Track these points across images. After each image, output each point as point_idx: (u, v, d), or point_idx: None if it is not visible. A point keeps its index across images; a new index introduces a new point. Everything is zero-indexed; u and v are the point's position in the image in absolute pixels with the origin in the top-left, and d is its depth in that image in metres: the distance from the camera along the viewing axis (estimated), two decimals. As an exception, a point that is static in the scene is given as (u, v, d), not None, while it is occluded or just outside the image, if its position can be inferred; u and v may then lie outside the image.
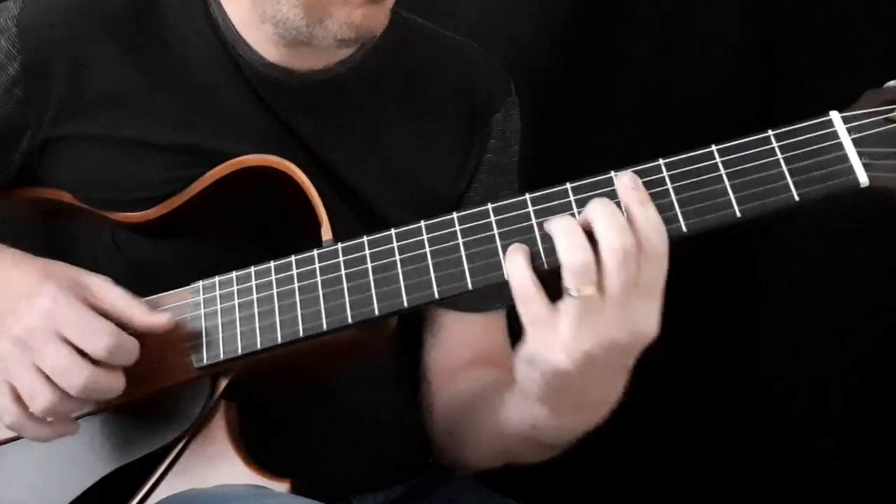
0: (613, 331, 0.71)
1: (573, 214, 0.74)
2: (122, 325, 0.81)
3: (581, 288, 0.70)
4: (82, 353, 0.78)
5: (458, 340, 1.02)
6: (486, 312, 1.03)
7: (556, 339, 0.72)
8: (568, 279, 0.70)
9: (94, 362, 0.78)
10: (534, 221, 0.75)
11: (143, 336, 0.82)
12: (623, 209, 0.72)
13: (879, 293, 1.31)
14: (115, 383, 0.80)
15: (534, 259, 0.74)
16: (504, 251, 0.75)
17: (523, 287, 0.72)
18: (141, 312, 0.82)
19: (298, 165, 0.86)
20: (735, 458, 1.38)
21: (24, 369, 0.78)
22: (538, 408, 0.79)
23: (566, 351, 0.71)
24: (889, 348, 1.34)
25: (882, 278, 1.31)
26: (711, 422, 1.34)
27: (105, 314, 0.81)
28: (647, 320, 0.72)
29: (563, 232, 0.71)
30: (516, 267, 0.73)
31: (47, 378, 0.78)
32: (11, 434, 0.87)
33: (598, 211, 0.71)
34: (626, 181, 0.73)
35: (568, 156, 1.32)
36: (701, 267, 1.13)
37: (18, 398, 0.79)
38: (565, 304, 0.71)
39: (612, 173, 0.75)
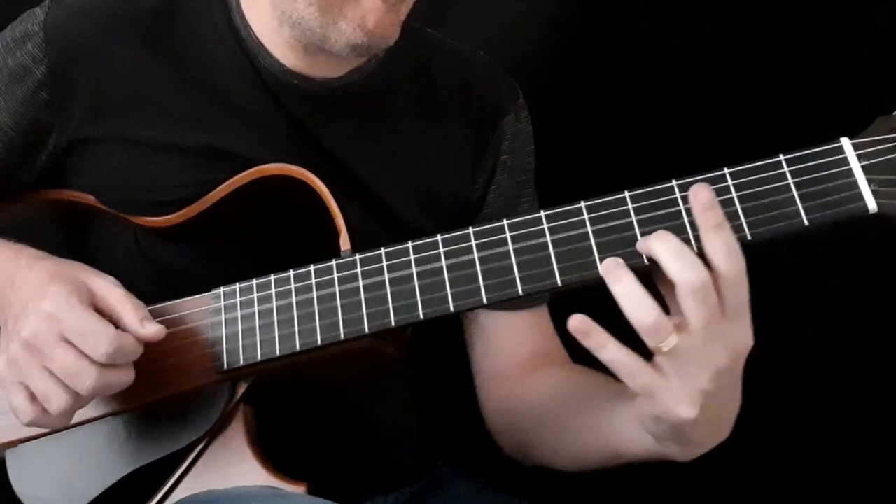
0: (716, 359, 0.71)
1: (587, 234, 0.76)
2: (153, 314, 0.83)
3: (664, 342, 0.70)
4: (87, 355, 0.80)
5: (511, 341, 1.03)
6: (530, 309, 1.03)
7: (672, 395, 0.72)
8: (647, 340, 0.71)
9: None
10: (548, 238, 0.77)
11: (164, 340, 0.83)
12: (697, 229, 0.72)
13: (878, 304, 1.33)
14: (124, 378, 0.81)
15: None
16: (518, 267, 0.77)
17: (625, 365, 0.72)
18: (132, 321, 0.81)
19: (316, 168, 0.88)
20: (734, 460, 1.39)
21: (36, 372, 0.80)
22: (671, 446, 0.79)
23: (686, 402, 0.72)
24: (887, 355, 1.35)
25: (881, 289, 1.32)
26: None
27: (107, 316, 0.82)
28: (742, 336, 0.72)
29: (626, 294, 0.71)
30: (613, 351, 0.72)
31: (59, 380, 0.79)
32: (31, 432, 0.89)
33: (664, 251, 0.71)
34: (703, 199, 0.71)
35: (576, 162, 1.32)
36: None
37: (34, 398, 0.81)
38: (662, 362, 0.72)
39: (626, 193, 0.76)
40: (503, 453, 1.04)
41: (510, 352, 1.03)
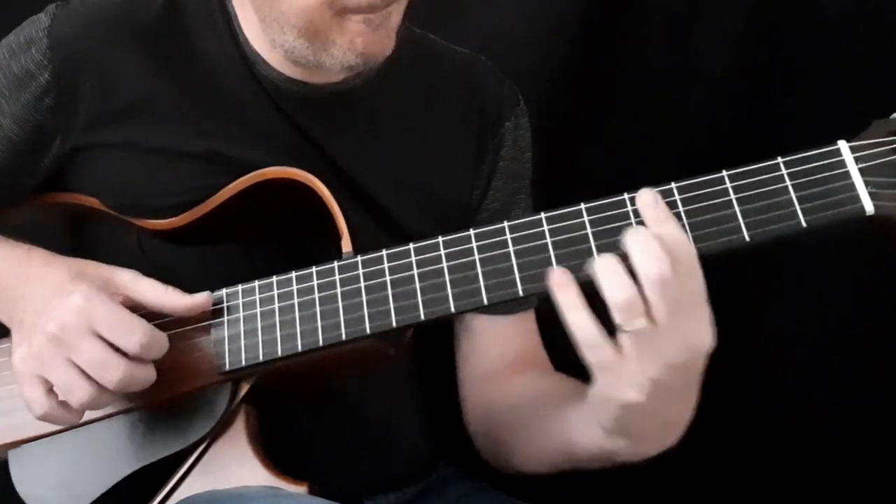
0: (670, 353, 0.72)
1: (587, 236, 0.76)
2: (154, 317, 0.84)
3: (632, 321, 0.71)
4: (115, 349, 0.81)
5: (495, 344, 1.04)
6: (517, 314, 1.04)
7: (623, 375, 0.73)
8: (617, 316, 0.71)
9: (127, 357, 0.81)
10: (549, 240, 0.77)
11: (168, 341, 0.84)
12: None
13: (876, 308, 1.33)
14: (148, 375, 0.83)
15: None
16: (518, 268, 0.77)
17: (589, 336, 0.73)
18: (178, 298, 0.85)
19: (317, 173, 0.88)
20: (733, 461, 1.40)
21: (60, 364, 0.81)
22: (617, 440, 0.80)
23: (635, 385, 0.73)
24: (887, 355, 1.35)
25: (879, 293, 1.33)
26: (709, 428, 1.36)
27: (138, 308, 0.84)
28: (698, 333, 0.73)
29: (606, 271, 0.72)
30: (581, 315, 0.73)
31: (83, 373, 0.81)
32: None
33: (633, 241, 0.72)
34: (645, 198, 0.74)
35: (576, 164, 1.33)
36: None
37: (50, 391, 0.82)
38: (623, 340, 0.73)
39: (626, 196, 0.76)
40: (484, 459, 1.04)
41: (493, 355, 1.04)
